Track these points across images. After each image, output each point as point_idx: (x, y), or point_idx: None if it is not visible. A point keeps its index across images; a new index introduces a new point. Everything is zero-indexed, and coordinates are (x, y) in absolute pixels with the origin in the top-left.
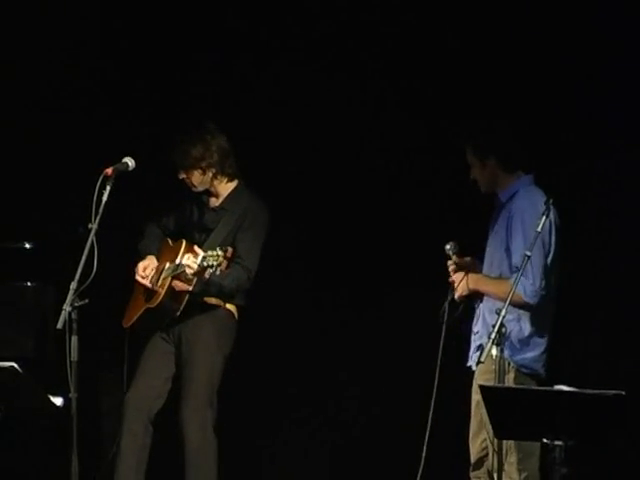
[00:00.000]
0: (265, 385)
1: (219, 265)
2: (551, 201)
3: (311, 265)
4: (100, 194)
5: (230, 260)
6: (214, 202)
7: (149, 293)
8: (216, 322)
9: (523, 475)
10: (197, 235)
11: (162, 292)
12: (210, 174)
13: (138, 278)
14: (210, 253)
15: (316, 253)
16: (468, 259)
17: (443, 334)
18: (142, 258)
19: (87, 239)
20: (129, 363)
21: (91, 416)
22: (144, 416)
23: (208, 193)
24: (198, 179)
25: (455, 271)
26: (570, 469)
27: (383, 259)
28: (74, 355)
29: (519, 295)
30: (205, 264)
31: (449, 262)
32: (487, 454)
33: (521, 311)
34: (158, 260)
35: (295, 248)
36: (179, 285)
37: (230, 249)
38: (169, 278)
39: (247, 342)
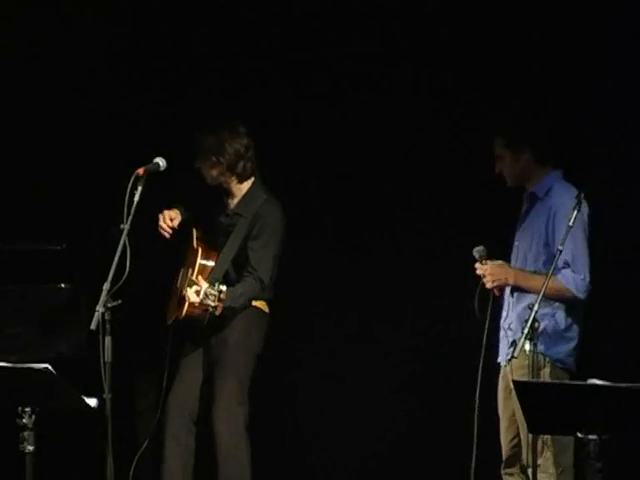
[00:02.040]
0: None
1: (215, 308)
2: (583, 195)
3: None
4: (132, 194)
5: (223, 301)
6: (230, 204)
7: (179, 298)
8: (245, 321)
9: (559, 470)
10: (218, 237)
11: (185, 304)
12: (219, 170)
13: (160, 226)
14: (211, 291)
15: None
16: (499, 262)
17: (486, 330)
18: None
19: (119, 240)
20: (170, 362)
21: (127, 417)
22: (186, 419)
23: (227, 193)
24: (208, 172)
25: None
26: (605, 463)
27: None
28: (108, 356)
29: (571, 291)
30: (205, 302)
31: (477, 265)
32: (519, 450)
33: (556, 304)
34: (186, 257)
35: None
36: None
37: (224, 291)
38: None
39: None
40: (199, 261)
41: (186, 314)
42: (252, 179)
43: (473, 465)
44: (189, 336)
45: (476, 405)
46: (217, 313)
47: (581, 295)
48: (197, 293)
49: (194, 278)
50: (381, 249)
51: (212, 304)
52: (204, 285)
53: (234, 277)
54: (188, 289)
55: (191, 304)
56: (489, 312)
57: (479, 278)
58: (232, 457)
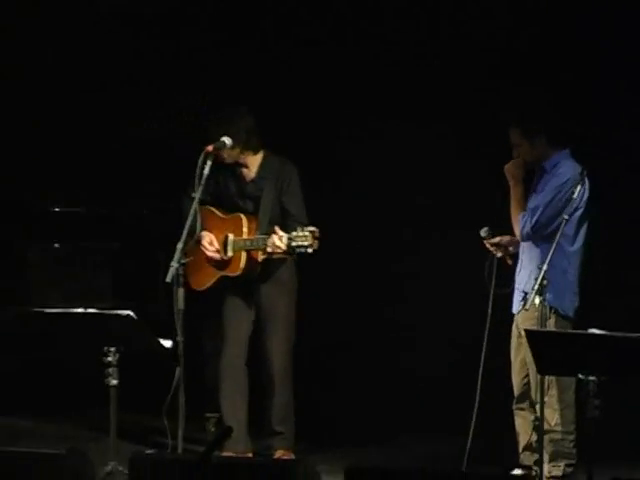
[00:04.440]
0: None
1: (310, 245)
2: (585, 172)
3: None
4: (202, 168)
5: (319, 239)
6: (248, 173)
7: (219, 262)
8: (289, 269)
9: (562, 406)
10: (241, 203)
11: (242, 262)
12: (238, 149)
13: (210, 254)
14: (297, 234)
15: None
16: (506, 238)
17: (492, 289)
18: (192, 237)
19: (190, 206)
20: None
21: (196, 357)
22: (241, 361)
23: (239, 165)
24: (228, 153)
25: (497, 250)
26: (602, 401)
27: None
28: (180, 304)
29: (517, 230)
30: (294, 244)
31: (486, 243)
32: (528, 388)
33: (565, 263)
34: (210, 230)
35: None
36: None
37: (316, 230)
38: (243, 251)
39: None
40: (246, 224)
41: (242, 272)
42: (262, 151)
43: (477, 400)
44: (232, 291)
45: (483, 352)
46: (311, 250)
47: (523, 231)
48: (280, 239)
49: (257, 235)
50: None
51: (306, 243)
52: (287, 233)
53: (267, 230)
54: (275, 239)
55: (269, 253)
56: (493, 278)
57: (490, 252)
58: (283, 377)
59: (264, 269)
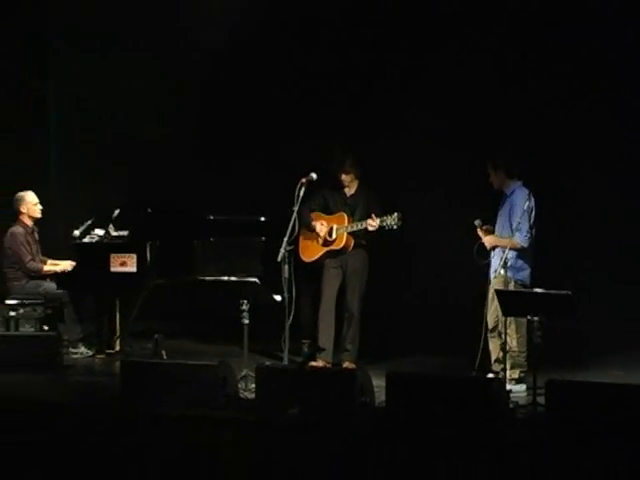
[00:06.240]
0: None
1: (396, 224)
2: (531, 194)
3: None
4: (299, 191)
5: (403, 219)
6: (348, 191)
7: (326, 242)
8: (364, 251)
9: (518, 335)
10: (345, 210)
11: (343, 240)
12: (352, 176)
13: (319, 229)
14: (384, 218)
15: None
16: (490, 227)
17: (480, 264)
18: (306, 224)
19: (292, 215)
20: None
21: (297, 308)
22: (332, 306)
23: (343, 186)
24: (351, 181)
25: (484, 234)
26: (543, 333)
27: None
28: (285, 274)
29: (518, 243)
30: (383, 224)
31: (478, 230)
32: (498, 324)
33: (518, 249)
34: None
35: None
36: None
37: (401, 214)
38: (345, 233)
39: None
40: (346, 219)
41: (343, 247)
42: (358, 180)
43: (484, 332)
44: (330, 263)
45: (485, 306)
46: (396, 227)
47: (525, 244)
48: (374, 220)
49: (355, 222)
50: None
51: (394, 223)
52: (377, 218)
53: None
54: (370, 221)
55: (370, 232)
56: (476, 255)
57: (478, 238)
58: (356, 322)
59: (353, 248)
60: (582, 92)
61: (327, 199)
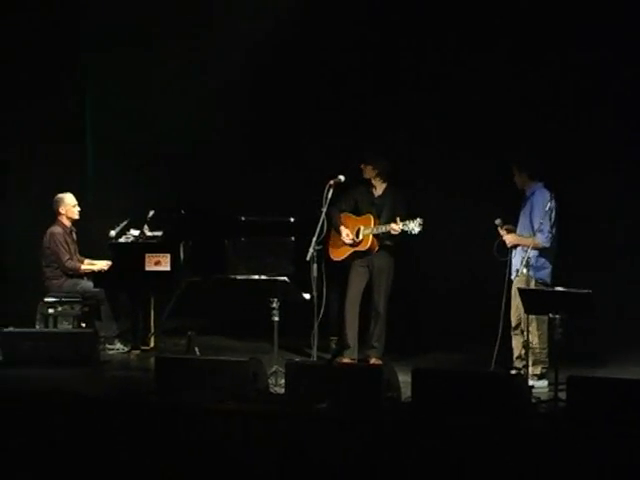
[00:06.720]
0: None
1: (414, 229)
2: (553, 195)
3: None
4: (327, 193)
5: (423, 225)
6: (376, 192)
7: (353, 243)
8: (389, 251)
9: (539, 332)
10: (373, 210)
11: (369, 242)
12: (383, 177)
13: (345, 237)
14: (406, 223)
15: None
16: (510, 226)
17: (500, 260)
18: (335, 226)
19: (320, 216)
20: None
21: (326, 305)
22: (357, 304)
23: (372, 186)
24: (370, 173)
25: (505, 233)
26: (564, 331)
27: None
28: (314, 273)
29: (541, 243)
30: (405, 228)
31: (499, 229)
32: (521, 322)
33: (539, 248)
34: (347, 226)
35: None
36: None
37: (422, 220)
38: (370, 235)
39: None
40: (373, 221)
41: (368, 248)
42: (387, 182)
43: (500, 327)
44: (357, 262)
45: (503, 301)
46: (416, 232)
47: (547, 244)
48: (397, 224)
49: (380, 225)
50: None
51: (416, 227)
52: (400, 222)
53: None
54: (394, 225)
55: (392, 235)
56: (496, 252)
57: (499, 236)
58: (382, 320)
59: (378, 249)
60: (597, 93)
61: (357, 200)
